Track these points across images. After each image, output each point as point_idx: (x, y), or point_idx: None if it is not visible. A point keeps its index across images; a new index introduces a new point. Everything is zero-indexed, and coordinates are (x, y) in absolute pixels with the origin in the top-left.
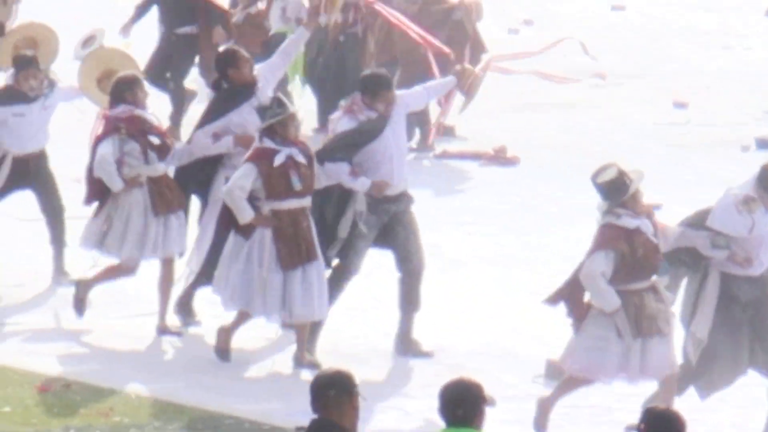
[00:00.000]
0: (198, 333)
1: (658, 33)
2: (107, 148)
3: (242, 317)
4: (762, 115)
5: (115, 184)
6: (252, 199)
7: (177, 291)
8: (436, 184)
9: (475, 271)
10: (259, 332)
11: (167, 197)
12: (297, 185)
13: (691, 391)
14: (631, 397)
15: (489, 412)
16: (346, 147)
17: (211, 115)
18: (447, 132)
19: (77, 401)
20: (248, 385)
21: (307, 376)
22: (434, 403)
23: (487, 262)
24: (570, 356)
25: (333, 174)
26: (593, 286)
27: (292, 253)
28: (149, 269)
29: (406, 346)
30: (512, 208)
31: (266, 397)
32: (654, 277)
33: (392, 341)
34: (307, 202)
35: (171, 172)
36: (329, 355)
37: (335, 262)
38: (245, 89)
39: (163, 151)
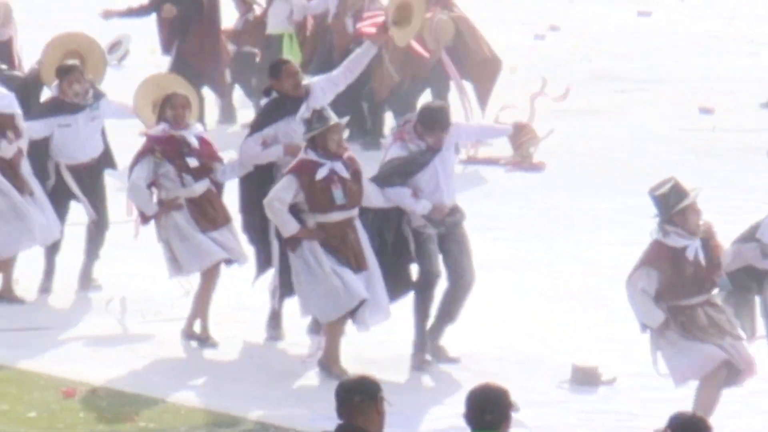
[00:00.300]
0: (220, 337)
1: (683, 39)
2: (140, 172)
3: (333, 331)
4: None
5: (148, 208)
6: (298, 212)
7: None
8: (462, 190)
9: (501, 277)
10: (289, 337)
11: (210, 215)
12: (340, 199)
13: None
14: (655, 402)
15: (514, 418)
16: (398, 175)
17: (260, 123)
18: None
19: (103, 406)
20: (272, 390)
21: (331, 381)
22: (460, 408)
23: (512, 268)
24: (674, 373)
25: (395, 198)
26: (634, 302)
27: (341, 261)
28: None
29: (434, 351)
30: (537, 214)
31: (290, 403)
32: (713, 292)
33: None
34: (353, 213)
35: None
36: (354, 361)
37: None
38: (293, 99)
39: (201, 173)
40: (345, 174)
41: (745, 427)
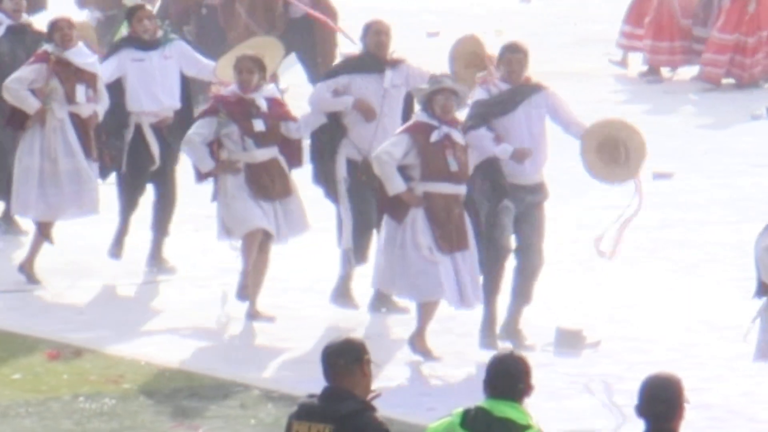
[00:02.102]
0: (206, 300)
1: None
2: (199, 128)
3: (426, 312)
4: None
5: (204, 164)
6: (405, 179)
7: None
8: None
9: None
10: (270, 301)
11: (264, 184)
12: (453, 166)
13: (700, 360)
14: (640, 365)
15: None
16: (478, 116)
17: (336, 70)
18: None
19: (87, 368)
20: (257, 353)
21: (316, 344)
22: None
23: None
24: (761, 347)
25: (475, 141)
26: (761, 262)
27: (445, 237)
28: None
29: (512, 335)
30: None
31: (275, 365)
32: None
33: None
34: (461, 189)
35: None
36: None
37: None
38: (375, 58)
39: (266, 139)
40: (460, 140)
41: (730, 391)
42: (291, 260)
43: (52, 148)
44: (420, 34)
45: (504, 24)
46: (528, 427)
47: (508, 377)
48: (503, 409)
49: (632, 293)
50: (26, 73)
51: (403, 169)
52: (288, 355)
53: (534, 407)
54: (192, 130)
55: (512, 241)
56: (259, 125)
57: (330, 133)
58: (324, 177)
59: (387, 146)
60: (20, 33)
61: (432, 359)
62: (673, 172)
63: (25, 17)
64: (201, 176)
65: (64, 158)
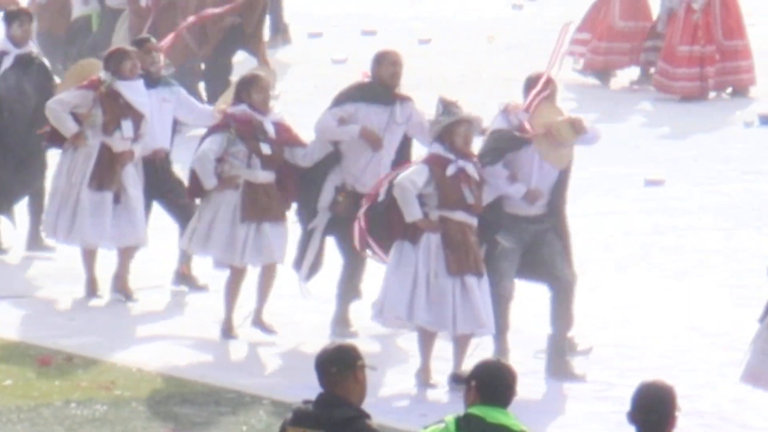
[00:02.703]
0: (198, 306)
1: None
2: (211, 144)
3: (426, 337)
4: (766, 90)
5: (209, 181)
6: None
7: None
8: None
9: None
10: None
11: (262, 205)
12: (470, 198)
13: (692, 367)
14: (631, 372)
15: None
16: (492, 151)
17: (342, 98)
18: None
19: (79, 375)
20: (249, 359)
21: (308, 350)
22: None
23: None
24: (750, 370)
25: (491, 179)
26: None
27: (461, 260)
28: (154, 245)
29: (560, 366)
30: None
31: (267, 372)
32: None
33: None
34: (474, 221)
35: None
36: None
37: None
38: (386, 89)
39: (270, 162)
40: (474, 175)
41: (722, 398)
42: (282, 267)
43: (75, 173)
44: (411, 42)
45: (495, 31)
46: None
47: (499, 384)
48: (495, 416)
49: (623, 300)
50: (71, 96)
51: (419, 197)
52: (280, 361)
53: (526, 414)
54: (205, 146)
55: (512, 287)
56: (266, 149)
57: (325, 159)
58: (305, 199)
59: (410, 174)
60: (27, 63)
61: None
62: (664, 179)
63: (32, 46)
64: (196, 192)
65: (79, 186)
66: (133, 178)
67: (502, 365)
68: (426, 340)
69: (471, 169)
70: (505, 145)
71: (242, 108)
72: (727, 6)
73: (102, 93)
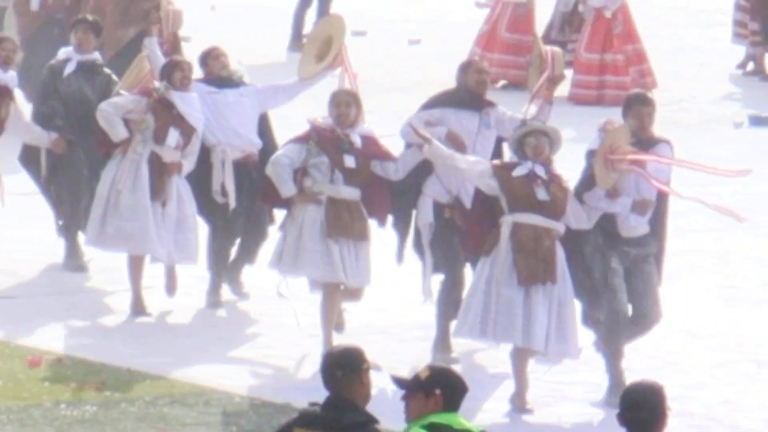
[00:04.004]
0: (188, 306)
1: (651, 8)
2: (288, 152)
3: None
4: (754, 91)
5: (285, 188)
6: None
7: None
8: None
9: None
10: (252, 308)
11: (344, 222)
12: (542, 195)
13: (682, 368)
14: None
15: (480, 388)
16: (589, 175)
17: (431, 103)
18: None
19: (68, 375)
20: (239, 360)
21: (298, 352)
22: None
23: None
24: None
25: (591, 201)
26: None
27: (528, 267)
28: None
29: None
30: None
31: (256, 373)
32: None
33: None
34: (556, 225)
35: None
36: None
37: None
38: (474, 96)
39: (355, 177)
40: (544, 176)
41: (712, 399)
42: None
43: (122, 180)
44: (401, 42)
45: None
46: None
47: (462, 392)
48: (459, 422)
49: None
50: (125, 101)
51: (494, 201)
52: (270, 362)
53: (515, 414)
54: (280, 152)
55: (626, 303)
56: (350, 161)
57: (416, 169)
58: (403, 221)
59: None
60: (91, 71)
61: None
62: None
63: (96, 55)
64: (271, 199)
65: (129, 193)
66: (188, 194)
67: (457, 372)
68: (518, 358)
69: (542, 171)
70: None
71: (327, 120)
72: (625, 11)
73: (155, 99)
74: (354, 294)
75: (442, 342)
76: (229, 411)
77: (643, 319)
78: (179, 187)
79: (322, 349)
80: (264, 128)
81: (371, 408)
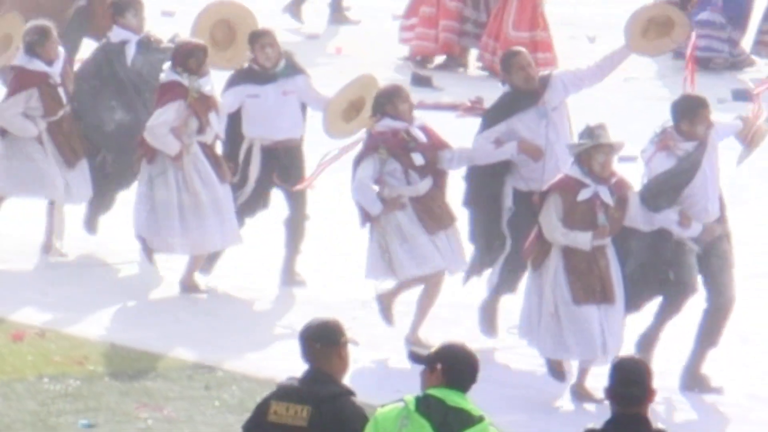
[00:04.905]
0: (171, 282)
1: None
2: (366, 171)
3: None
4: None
5: (374, 208)
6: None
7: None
8: None
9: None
10: (233, 283)
11: (436, 213)
12: (602, 220)
13: (661, 344)
14: None
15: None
16: (669, 192)
17: (492, 119)
18: (424, 82)
19: (52, 350)
20: (222, 334)
21: (281, 326)
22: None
23: (461, 212)
24: None
25: (664, 224)
26: None
27: (586, 288)
28: (125, 217)
29: (694, 381)
30: None
31: (240, 347)
32: None
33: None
34: (607, 241)
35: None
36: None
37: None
38: (527, 93)
39: (425, 170)
40: (609, 200)
41: (740, 390)
42: (254, 242)
43: (189, 181)
44: (386, 18)
45: None
46: (482, 419)
47: (465, 369)
48: (455, 399)
49: None
50: (169, 115)
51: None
52: (252, 336)
53: (500, 389)
54: (360, 173)
55: (697, 281)
56: (418, 159)
57: (488, 174)
58: (482, 200)
59: (555, 220)
60: (146, 49)
61: (596, 401)
62: (637, 155)
63: (152, 33)
64: (368, 218)
65: (203, 189)
66: (201, 179)
67: (469, 350)
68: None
69: (606, 194)
70: (676, 184)
71: (386, 123)
72: None
73: (193, 99)
74: (435, 282)
75: (488, 309)
76: (213, 385)
77: (720, 297)
78: (207, 171)
79: (409, 334)
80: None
81: (350, 382)
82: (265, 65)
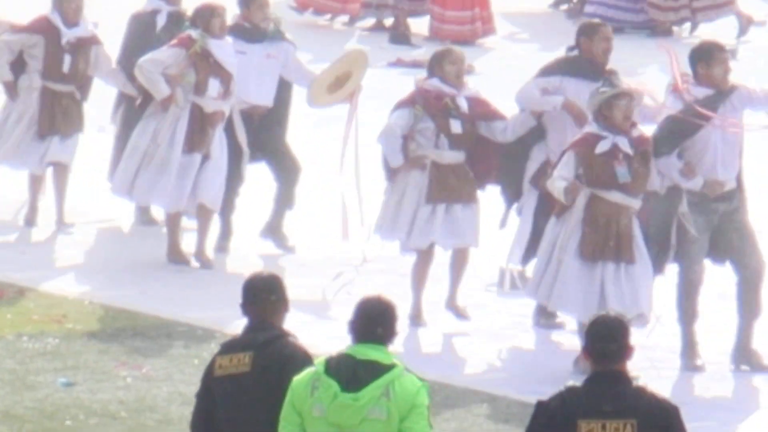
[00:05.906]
0: (151, 243)
1: None
2: (399, 120)
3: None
4: None
5: (395, 158)
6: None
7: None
8: (388, 94)
9: None
10: (210, 244)
11: (450, 185)
12: (623, 177)
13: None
14: None
15: (444, 321)
16: (669, 137)
17: (549, 70)
18: (402, 40)
19: (30, 308)
20: (200, 293)
21: None
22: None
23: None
24: None
25: (665, 170)
26: None
27: (596, 243)
28: (102, 177)
29: (746, 357)
30: None
31: (218, 305)
32: None
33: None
34: (634, 203)
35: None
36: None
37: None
38: (597, 65)
39: (461, 141)
40: (629, 150)
41: (670, 332)
42: (240, 203)
43: (162, 133)
44: None
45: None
46: (393, 365)
47: (368, 321)
48: (366, 352)
49: None
50: (164, 56)
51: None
52: (231, 295)
53: (478, 347)
54: (392, 120)
55: (702, 272)
56: (456, 127)
57: (526, 135)
58: (508, 179)
59: (560, 170)
60: (178, 22)
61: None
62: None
63: (181, 6)
64: (389, 170)
65: (167, 147)
66: (219, 141)
67: (379, 303)
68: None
69: (626, 145)
70: (684, 130)
71: (433, 82)
72: None
73: (195, 52)
74: (460, 257)
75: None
76: (191, 343)
77: (746, 270)
78: (221, 138)
79: (411, 311)
80: (283, 85)
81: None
82: (261, 25)
